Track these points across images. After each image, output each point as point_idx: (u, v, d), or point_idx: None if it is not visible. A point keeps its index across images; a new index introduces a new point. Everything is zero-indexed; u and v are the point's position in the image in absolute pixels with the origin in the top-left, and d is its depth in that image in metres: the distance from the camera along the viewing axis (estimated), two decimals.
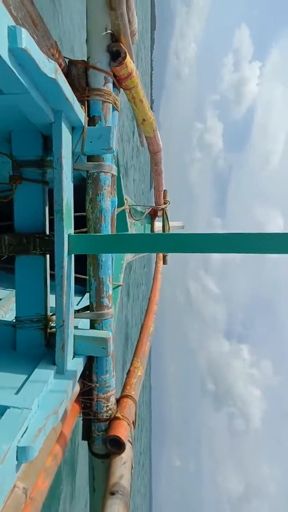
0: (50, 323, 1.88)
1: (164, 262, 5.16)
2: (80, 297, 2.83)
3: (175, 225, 5.31)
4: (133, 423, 1.96)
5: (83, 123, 1.74)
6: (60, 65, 1.67)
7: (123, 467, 1.72)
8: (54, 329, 1.77)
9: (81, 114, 1.70)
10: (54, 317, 1.84)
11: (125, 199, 3.36)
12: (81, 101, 1.76)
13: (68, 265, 1.67)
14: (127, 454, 1.79)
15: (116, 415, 1.92)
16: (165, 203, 4.61)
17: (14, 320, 1.88)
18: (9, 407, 1.32)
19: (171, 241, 1.64)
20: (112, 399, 1.97)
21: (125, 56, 1.79)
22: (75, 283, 1.80)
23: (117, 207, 2.45)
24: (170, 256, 5.26)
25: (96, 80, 1.80)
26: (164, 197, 4.62)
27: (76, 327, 1.85)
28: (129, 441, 1.84)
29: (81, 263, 2.03)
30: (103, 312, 1.88)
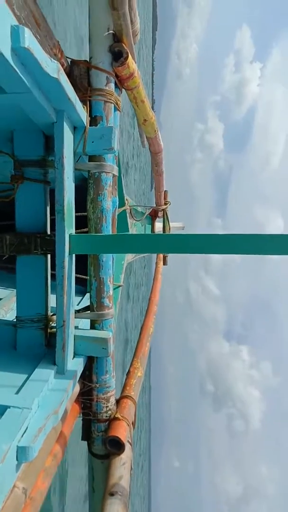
0: (51, 323, 1.88)
1: (164, 263, 5.16)
2: (81, 297, 2.83)
3: (176, 226, 5.31)
4: (132, 423, 1.96)
5: (85, 123, 1.74)
6: (62, 65, 1.67)
7: (122, 468, 1.72)
8: (55, 329, 1.77)
9: (83, 114, 1.70)
10: (54, 317, 1.84)
11: (126, 199, 3.36)
12: (83, 101, 1.76)
13: (69, 265, 1.67)
14: (127, 455, 1.79)
15: (116, 416, 1.92)
16: (165, 204, 4.61)
17: (15, 320, 1.88)
18: (9, 407, 1.32)
19: (172, 241, 1.64)
20: (112, 400, 1.97)
21: (127, 57, 1.79)
22: (75, 283, 1.80)
23: (118, 208, 2.45)
24: (170, 256, 5.26)
25: (98, 80, 1.80)
26: (165, 198, 4.61)
27: (76, 327, 1.85)
28: (128, 441, 1.84)
29: (82, 263, 2.03)
30: (104, 312, 1.88)
